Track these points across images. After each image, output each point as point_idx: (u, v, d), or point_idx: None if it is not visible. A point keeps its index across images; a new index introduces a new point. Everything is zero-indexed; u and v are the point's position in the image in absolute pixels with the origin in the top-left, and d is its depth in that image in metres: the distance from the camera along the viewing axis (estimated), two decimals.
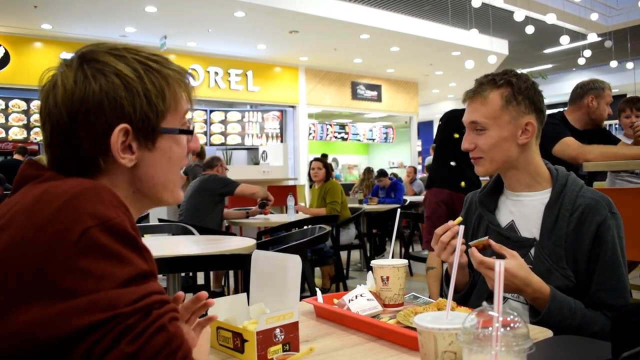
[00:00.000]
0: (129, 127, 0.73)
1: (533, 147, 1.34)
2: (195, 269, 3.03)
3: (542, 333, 1.06)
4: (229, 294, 2.15)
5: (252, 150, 10.82)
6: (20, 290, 0.59)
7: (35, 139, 8.64)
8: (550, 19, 7.20)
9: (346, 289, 4.05)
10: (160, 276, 2.83)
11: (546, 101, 1.38)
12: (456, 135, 3.60)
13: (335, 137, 12.88)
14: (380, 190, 6.90)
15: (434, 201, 3.60)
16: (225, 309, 1.07)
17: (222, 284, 4.63)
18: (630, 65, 10.60)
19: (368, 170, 7.86)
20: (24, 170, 0.73)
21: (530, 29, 7.52)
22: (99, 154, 0.73)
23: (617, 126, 9.98)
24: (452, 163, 3.58)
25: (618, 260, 1.22)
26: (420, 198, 6.78)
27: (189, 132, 0.81)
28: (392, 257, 1.33)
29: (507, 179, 1.38)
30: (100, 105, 0.71)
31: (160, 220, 4.32)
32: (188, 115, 0.82)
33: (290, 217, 4.53)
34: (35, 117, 8.62)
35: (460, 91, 3.84)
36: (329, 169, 5.12)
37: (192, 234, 3.32)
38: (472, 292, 1.37)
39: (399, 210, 1.65)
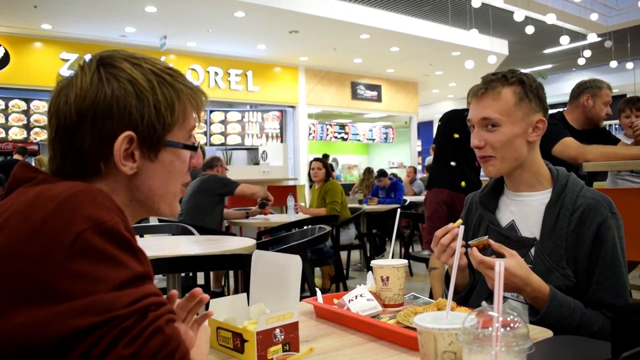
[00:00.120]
0: (134, 135, 0.73)
1: (537, 146, 1.35)
2: (195, 269, 3.03)
3: (542, 333, 1.06)
4: (229, 294, 2.15)
5: (252, 150, 10.82)
6: (17, 292, 0.59)
7: (35, 139, 8.63)
8: (550, 19, 7.20)
9: (346, 289, 4.05)
10: (160, 276, 2.83)
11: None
12: (456, 136, 3.60)
13: (335, 137, 12.88)
14: (380, 190, 6.90)
15: (434, 201, 3.61)
16: (225, 309, 1.07)
17: (222, 284, 4.63)
18: (630, 65, 10.60)
19: (368, 171, 7.86)
20: (17, 172, 0.73)
21: (530, 29, 7.52)
22: (100, 157, 0.73)
23: (617, 126, 9.98)
24: (452, 163, 3.58)
25: (618, 260, 1.22)
26: (420, 198, 6.78)
27: (193, 149, 0.81)
28: (392, 257, 1.33)
29: (511, 178, 1.37)
30: (110, 109, 0.71)
31: (160, 220, 4.32)
32: (195, 131, 0.82)
33: (290, 217, 4.54)
34: (35, 117, 8.62)
35: (460, 91, 3.84)
36: (329, 169, 5.12)
37: (192, 234, 3.32)
38: (472, 292, 1.37)
39: (398, 210, 1.65)
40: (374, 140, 13.82)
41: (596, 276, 1.22)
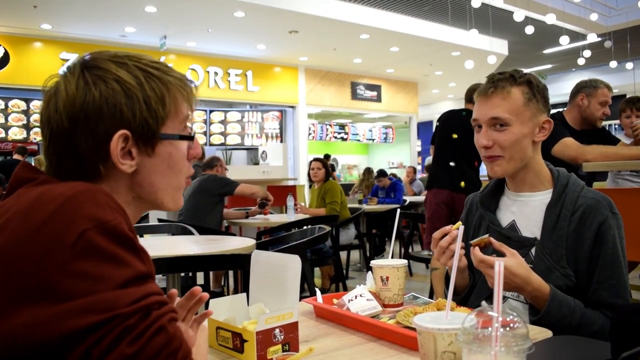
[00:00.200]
0: (129, 133, 0.73)
1: (540, 146, 1.35)
2: (195, 269, 3.03)
3: (542, 333, 1.06)
4: (228, 294, 2.15)
5: (252, 150, 10.82)
6: (18, 292, 0.59)
7: (35, 139, 8.63)
8: (550, 19, 7.20)
9: (346, 289, 4.05)
10: (159, 276, 2.83)
11: None
12: (455, 136, 3.60)
13: (335, 137, 12.88)
14: (379, 190, 6.90)
15: (434, 202, 3.60)
16: (225, 309, 1.07)
17: (222, 284, 4.63)
18: (629, 65, 10.59)
19: (368, 171, 7.87)
20: (18, 173, 0.73)
21: (530, 29, 7.52)
22: (98, 159, 0.73)
23: (616, 126, 9.99)
24: (452, 163, 3.58)
25: (618, 259, 1.23)
26: (420, 198, 6.79)
27: (190, 138, 0.81)
28: (392, 257, 1.33)
29: (515, 178, 1.37)
30: (100, 111, 0.71)
31: (159, 220, 4.33)
32: (189, 121, 0.82)
33: (290, 217, 4.54)
34: (35, 117, 8.62)
35: (460, 91, 3.83)
36: (328, 169, 5.12)
37: (192, 234, 3.32)
38: (472, 292, 1.38)
39: (398, 210, 1.65)
40: (373, 140, 13.82)
41: (596, 276, 1.22)
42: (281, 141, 10.83)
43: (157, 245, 2.59)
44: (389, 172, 8.11)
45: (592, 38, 8.15)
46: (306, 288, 2.97)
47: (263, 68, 10.40)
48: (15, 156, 7.31)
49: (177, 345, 0.62)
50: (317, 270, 4.80)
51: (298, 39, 8.91)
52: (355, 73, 11.71)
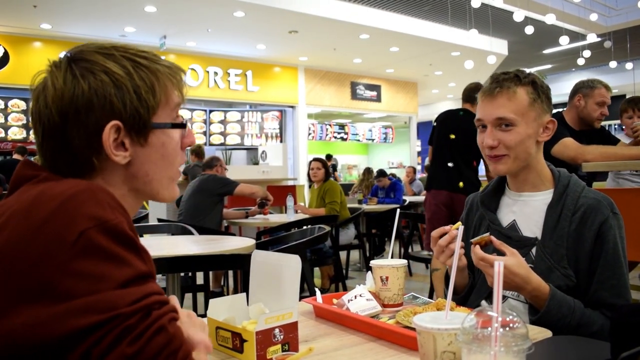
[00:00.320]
0: (120, 123, 0.72)
1: (542, 147, 1.36)
2: (194, 269, 3.03)
3: (542, 333, 1.06)
4: (228, 294, 2.14)
5: (252, 150, 10.82)
6: (19, 291, 0.59)
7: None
8: (550, 19, 7.20)
9: (345, 289, 4.05)
10: (159, 276, 2.83)
11: None
12: (452, 136, 3.60)
13: (335, 137, 12.88)
14: (379, 190, 6.90)
15: (433, 203, 3.60)
16: (225, 309, 1.07)
17: (222, 284, 4.62)
18: (629, 65, 10.60)
19: (367, 171, 7.86)
20: (20, 170, 0.73)
21: (529, 29, 7.52)
22: (91, 152, 0.72)
23: (616, 126, 9.99)
24: (450, 164, 3.58)
25: (619, 260, 1.23)
26: (420, 198, 6.79)
27: (182, 126, 0.81)
28: (392, 257, 1.33)
29: (517, 178, 1.37)
30: (90, 103, 0.71)
31: (159, 220, 4.33)
32: (182, 112, 0.82)
33: (289, 217, 4.54)
34: None
35: (459, 91, 3.83)
36: (328, 169, 5.12)
37: (192, 234, 3.32)
38: (472, 292, 1.38)
39: (398, 210, 1.65)
40: (373, 140, 13.82)
41: (597, 276, 1.22)
42: (281, 141, 10.84)
43: (157, 245, 2.59)
44: (388, 172, 8.11)
45: (592, 38, 8.15)
46: (306, 288, 2.97)
47: (263, 68, 10.40)
48: (15, 156, 7.31)
49: (177, 345, 0.62)
50: (316, 270, 4.80)
51: (298, 38, 8.91)
52: (355, 73, 11.71)
